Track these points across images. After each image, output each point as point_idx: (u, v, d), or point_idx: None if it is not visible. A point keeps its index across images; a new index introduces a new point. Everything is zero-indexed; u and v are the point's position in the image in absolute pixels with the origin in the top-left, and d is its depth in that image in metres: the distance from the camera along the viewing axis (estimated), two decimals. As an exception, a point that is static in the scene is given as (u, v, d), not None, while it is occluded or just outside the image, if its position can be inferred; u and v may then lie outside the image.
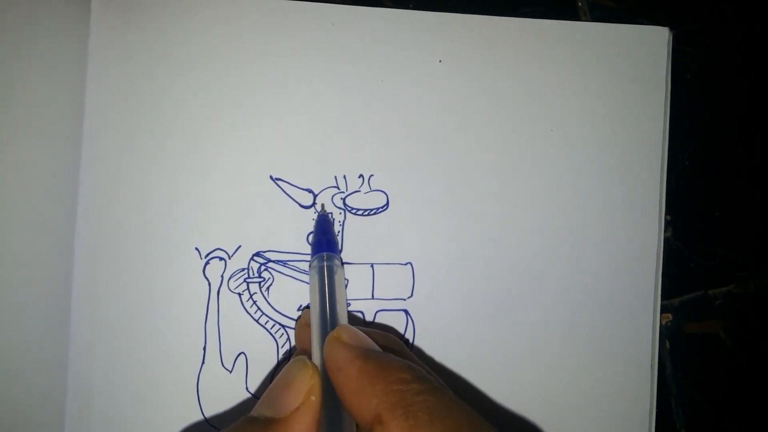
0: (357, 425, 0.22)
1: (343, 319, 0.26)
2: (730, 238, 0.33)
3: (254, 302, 0.31)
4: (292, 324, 0.31)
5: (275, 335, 0.30)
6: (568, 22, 0.32)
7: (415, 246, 0.31)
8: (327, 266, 0.27)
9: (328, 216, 0.31)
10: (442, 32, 0.32)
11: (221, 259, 0.30)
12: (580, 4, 0.33)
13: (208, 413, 0.30)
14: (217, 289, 0.30)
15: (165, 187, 0.30)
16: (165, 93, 0.31)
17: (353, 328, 0.24)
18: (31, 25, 0.27)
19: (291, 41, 0.31)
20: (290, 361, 0.23)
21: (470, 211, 0.31)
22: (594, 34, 0.32)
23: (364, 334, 0.24)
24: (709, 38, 0.34)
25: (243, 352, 0.30)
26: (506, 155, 0.32)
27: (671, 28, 0.33)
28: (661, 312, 0.32)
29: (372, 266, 0.31)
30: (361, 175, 0.31)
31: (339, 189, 0.31)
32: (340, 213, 0.31)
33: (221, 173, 0.31)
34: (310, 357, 0.24)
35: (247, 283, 0.31)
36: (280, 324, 0.31)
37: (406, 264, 0.31)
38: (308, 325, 0.26)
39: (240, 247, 0.31)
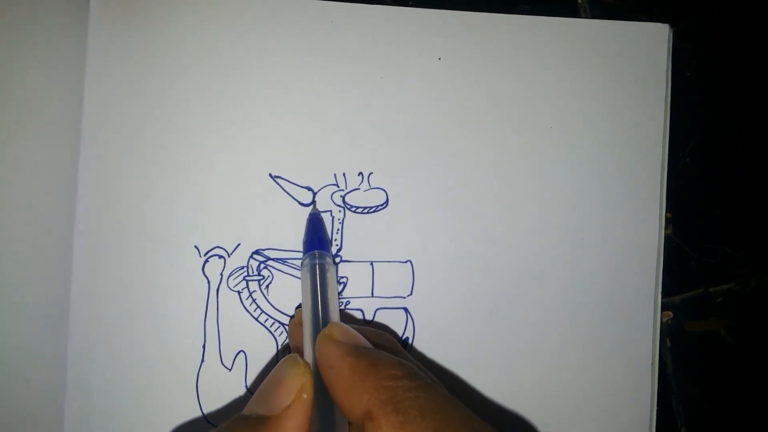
0: (349, 422, 0.22)
1: (335, 316, 0.26)
2: (730, 235, 0.33)
3: (253, 300, 0.30)
4: (292, 322, 0.31)
5: (274, 333, 0.30)
6: (568, 19, 0.32)
7: (414, 244, 0.31)
8: (319, 264, 0.27)
9: (319, 214, 0.31)
10: (442, 29, 0.32)
11: (220, 257, 0.30)
12: (580, 1, 0.33)
13: (208, 411, 0.30)
14: (216, 288, 0.30)
15: (164, 186, 0.30)
16: (164, 92, 0.31)
17: (345, 325, 0.24)
18: (30, 25, 0.27)
19: (290, 39, 0.31)
20: (282, 359, 0.23)
21: (470, 208, 0.31)
22: (594, 31, 0.32)
23: (356, 332, 0.24)
24: (710, 35, 0.34)
25: (242, 350, 0.30)
26: (506, 153, 0.32)
27: (671, 25, 0.33)
28: (662, 310, 0.32)
29: (372, 264, 0.31)
30: (360, 173, 0.31)
31: (338, 187, 0.31)
32: (340, 211, 0.31)
33: (220, 171, 0.31)
34: (303, 355, 0.24)
35: (247, 281, 0.31)
36: (279, 322, 0.31)
37: (405, 262, 0.31)
38: (301, 324, 0.26)
39: (239, 245, 0.31)
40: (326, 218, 0.31)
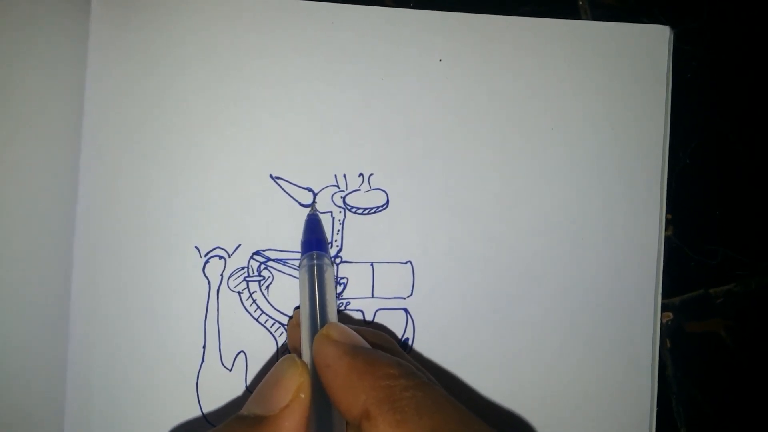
0: (346, 422, 0.22)
1: (332, 316, 0.26)
2: (730, 236, 0.33)
3: (254, 301, 0.31)
4: (292, 323, 0.31)
5: (275, 334, 0.30)
6: (569, 20, 0.32)
7: (415, 245, 0.31)
8: (316, 265, 0.27)
9: (317, 215, 0.31)
10: (442, 31, 0.32)
11: (221, 257, 0.30)
12: (580, 2, 0.33)
13: (208, 411, 0.30)
14: (216, 288, 0.30)
15: (164, 186, 0.30)
16: (164, 92, 0.31)
17: (342, 325, 0.24)
18: (31, 25, 0.28)
19: (291, 40, 0.31)
20: (280, 360, 0.23)
21: (470, 209, 0.31)
22: (594, 33, 0.32)
23: (353, 332, 0.24)
24: (710, 37, 0.34)
25: (243, 351, 0.30)
26: (506, 154, 0.32)
27: (672, 27, 0.33)
28: (662, 311, 0.32)
29: (372, 265, 0.31)
30: (361, 174, 0.31)
31: (339, 188, 0.31)
32: (340, 212, 0.31)
33: (221, 172, 0.31)
34: (301, 356, 0.24)
35: (247, 281, 0.31)
36: (279, 322, 0.31)
37: (405, 263, 0.31)
38: (300, 325, 0.26)
39: (240, 245, 0.31)
40: (326, 219, 0.31)
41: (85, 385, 0.29)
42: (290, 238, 0.31)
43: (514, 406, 0.31)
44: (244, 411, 0.22)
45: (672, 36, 0.33)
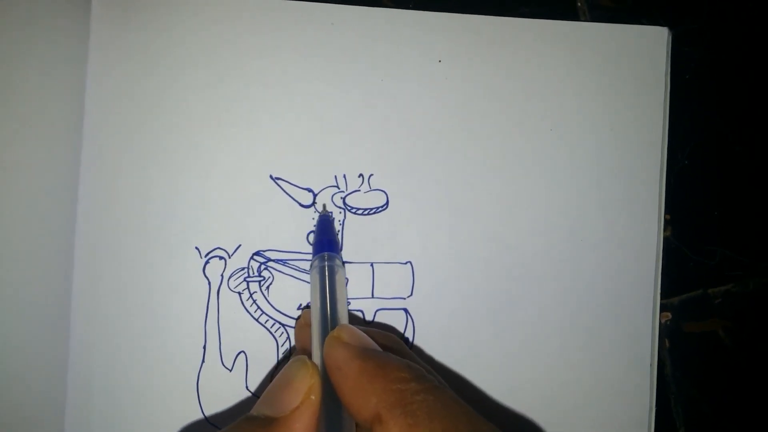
0: (357, 424, 0.22)
1: (343, 318, 0.26)
2: (729, 237, 0.34)
3: (254, 301, 0.31)
4: (292, 323, 0.31)
5: (275, 334, 0.31)
6: (568, 22, 0.32)
7: (414, 245, 0.31)
8: (328, 266, 0.27)
9: (329, 216, 0.31)
10: (442, 32, 0.32)
11: (221, 258, 0.30)
12: (579, 4, 0.34)
13: (209, 412, 0.30)
14: (217, 289, 0.30)
15: (165, 187, 0.30)
16: (165, 92, 0.31)
17: (353, 327, 0.24)
18: (31, 25, 0.27)
19: (291, 41, 0.31)
20: (290, 361, 0.23)
21: (470, 210, 0.31)
22: (593, 34, 0.32)
23: (364, 334, 0.24)
24: (709, 38, 0.34)
25: (243, 351, 0.30)
26: (506, 155, 0.32)
27: (670, 28, 0.33)
28: (661, 311, 0.32)
29: (372, 265, 0.31)
30: (360, 175, 0.31)
31: (339, 188, 0.31)
32: (340, 212, 0.31)
33: (221, 172, 0.31)
34: (309, 357, 0.24)
35: (247, 282, 0.31)
36: (280, 323, 0.31)
37: (405, 263, 0.31)
38: (308, 325, 0.26)
39: (240, 246, 0.31)
40: (327, 219, 0.31)
41: (86, 385, 0.29)
42: (290, 238, 0.31)
43: (513, 405, 0.31)
44: (254, 411, 0.22)
45: (671, 37, 0.33)
